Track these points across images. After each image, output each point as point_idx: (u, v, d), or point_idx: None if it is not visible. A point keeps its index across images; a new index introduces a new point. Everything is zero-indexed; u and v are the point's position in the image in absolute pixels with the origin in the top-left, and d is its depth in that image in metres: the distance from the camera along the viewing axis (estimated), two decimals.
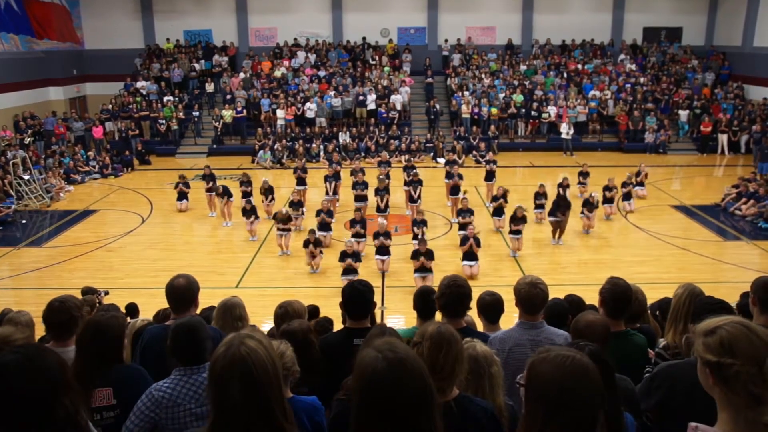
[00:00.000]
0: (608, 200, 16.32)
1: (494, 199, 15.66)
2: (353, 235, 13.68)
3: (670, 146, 25.29)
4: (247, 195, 17.27)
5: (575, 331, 3.70)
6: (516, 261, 13.67)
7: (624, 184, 17.04)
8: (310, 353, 4.12)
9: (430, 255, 12.24)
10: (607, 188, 16.31)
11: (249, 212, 15.14)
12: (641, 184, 18.23)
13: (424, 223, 14.04)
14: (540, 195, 15.91)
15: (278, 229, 14.14)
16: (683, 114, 25.88)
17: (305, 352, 3.84)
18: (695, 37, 29.93)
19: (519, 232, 13.83)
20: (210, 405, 2.16)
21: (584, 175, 18.14)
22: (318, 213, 14.66)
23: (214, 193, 16.92)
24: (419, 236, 12.96)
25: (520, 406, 2.91)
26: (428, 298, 4.45)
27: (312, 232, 13.29)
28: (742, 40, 27.24)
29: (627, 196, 17.07)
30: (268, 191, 16.72)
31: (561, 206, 14.42)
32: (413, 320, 5.12)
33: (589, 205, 15.18)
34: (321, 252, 13.19)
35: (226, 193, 16.32)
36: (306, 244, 13.06)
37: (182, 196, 17.71)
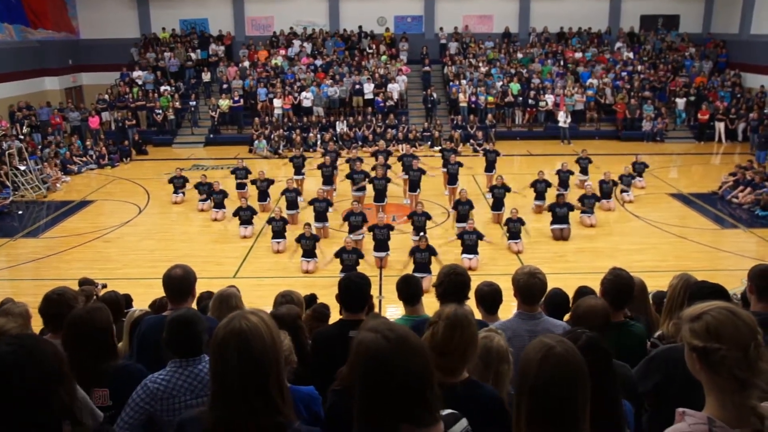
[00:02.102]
0: (606, 194, 16.16)
1: (493, 188, 15.58)
2: (350, 232, 13.49)
3: (667, 134, 25.28)
4: (241, 186, 17.19)
5: (576, 316, 3.68)
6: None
7: (622, 177, 17.00)
8: (299, 339, 4.12)
9: (431, 251, 12.06)
10: (603, 182, 16.22)
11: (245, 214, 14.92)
12: (640, 174, 18.18)
13: (423, 227, 13.60)
14: (540, 182, 15.93)
15: (273, 237, 14.00)
16: (680, 102, 25.84)
17: (294, 338, 3.85)
18: (692, 25, 29.83)
19: (518, 236, 13.74)
20: (210, 378, 2.20)
21: (584, 168, 18.13)
22: (312, 201, 14.60)
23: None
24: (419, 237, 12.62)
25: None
26: (410, 282, 4.44)
27: (308, 225, 13.14)
28: (739, 27, 27.16)
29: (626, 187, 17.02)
30: (263, 189, 16.57)
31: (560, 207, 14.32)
32: None
33: (588, 205, 15.08)
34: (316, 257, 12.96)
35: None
36: (300, 239, 12.90)
37: (178, 189, 17.67)
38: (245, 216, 14.83)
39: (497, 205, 15.41)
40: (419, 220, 13.53)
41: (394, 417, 1.93)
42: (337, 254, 12.16)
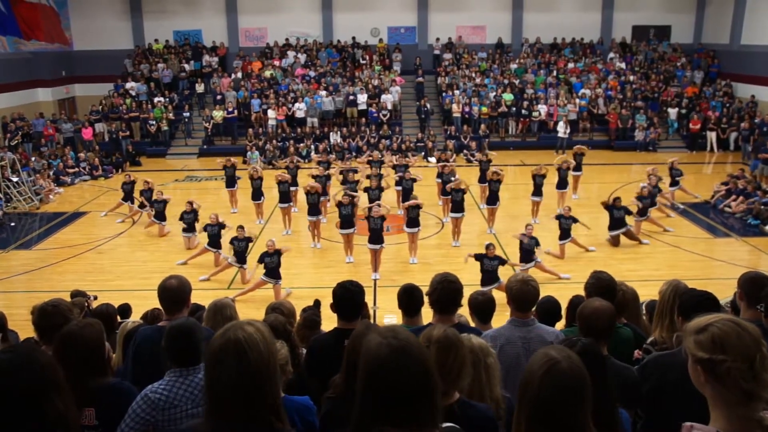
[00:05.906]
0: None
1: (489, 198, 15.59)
2: (342, 226, 13.52)
3: (659, 144, 25.43)
4: (231, 183, 17.24)
5: (581, 318, 3.66)
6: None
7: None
8: (290, 344, 4.11)
9: (500, 261, 11.53)
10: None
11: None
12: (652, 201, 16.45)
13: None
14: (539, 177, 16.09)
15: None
16: (672, 112, 26.02)
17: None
18: (684, 35, 30.09)
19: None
20: (205, 389, 2.17)
21: (579, 159, 18.16)
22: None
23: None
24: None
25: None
26: (412, 294, 4.44)
27: (270, 242, 12.34)
28: (729, 38, 27.41)
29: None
30: (257, 187, 16.43)
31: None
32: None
33: (645, 205, 14.93)
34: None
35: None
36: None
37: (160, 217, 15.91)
38: (212, 231, 13.67)
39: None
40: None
41: (389, 421, 1.90)
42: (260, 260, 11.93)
